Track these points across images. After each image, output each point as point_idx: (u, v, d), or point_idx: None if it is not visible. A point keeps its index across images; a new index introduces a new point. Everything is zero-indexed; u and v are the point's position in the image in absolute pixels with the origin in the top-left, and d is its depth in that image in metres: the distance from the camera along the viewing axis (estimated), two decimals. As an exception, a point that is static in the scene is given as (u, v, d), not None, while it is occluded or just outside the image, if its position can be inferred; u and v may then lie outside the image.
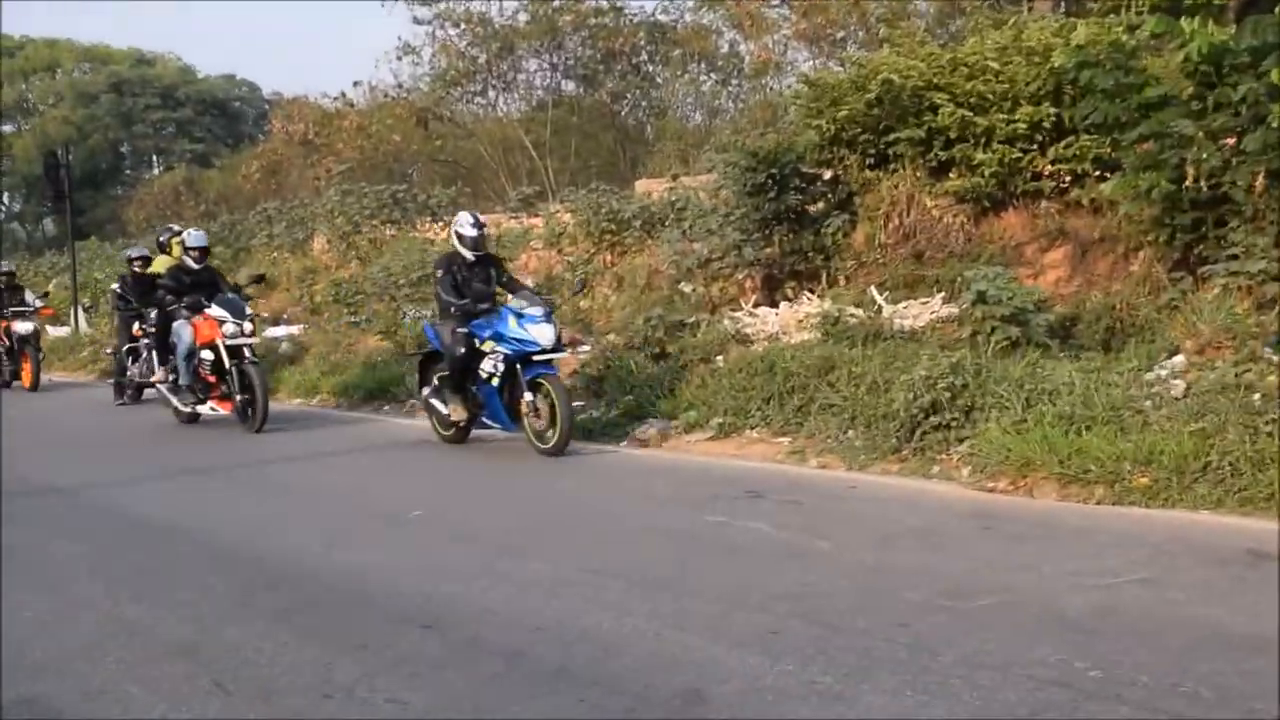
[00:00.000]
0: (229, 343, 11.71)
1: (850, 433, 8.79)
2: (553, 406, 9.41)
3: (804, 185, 12.39)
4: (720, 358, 10.97)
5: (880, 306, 10.89)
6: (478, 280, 10.05)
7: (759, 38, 26.23)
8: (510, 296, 10.05)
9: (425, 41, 28.84)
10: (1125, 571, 5.34)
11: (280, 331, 18.35)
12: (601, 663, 4.38)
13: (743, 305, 12.40)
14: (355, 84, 31.80)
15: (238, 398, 11.73)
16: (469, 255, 10.12)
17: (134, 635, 4.95)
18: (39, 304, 19.21)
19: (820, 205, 12.53)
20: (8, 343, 18.20)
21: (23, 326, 17.88)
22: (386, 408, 13.24)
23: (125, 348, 15.22)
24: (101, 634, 4.98)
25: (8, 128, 56.89)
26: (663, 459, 9.34)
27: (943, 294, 10.82)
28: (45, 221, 56.60)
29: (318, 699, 4.11)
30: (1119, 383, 7.89)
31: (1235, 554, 5.59)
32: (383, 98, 30.25)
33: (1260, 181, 8.79)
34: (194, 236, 12.73)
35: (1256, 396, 7.15)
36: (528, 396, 9.51)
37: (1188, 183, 9.12)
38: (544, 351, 9.59)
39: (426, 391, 10.51)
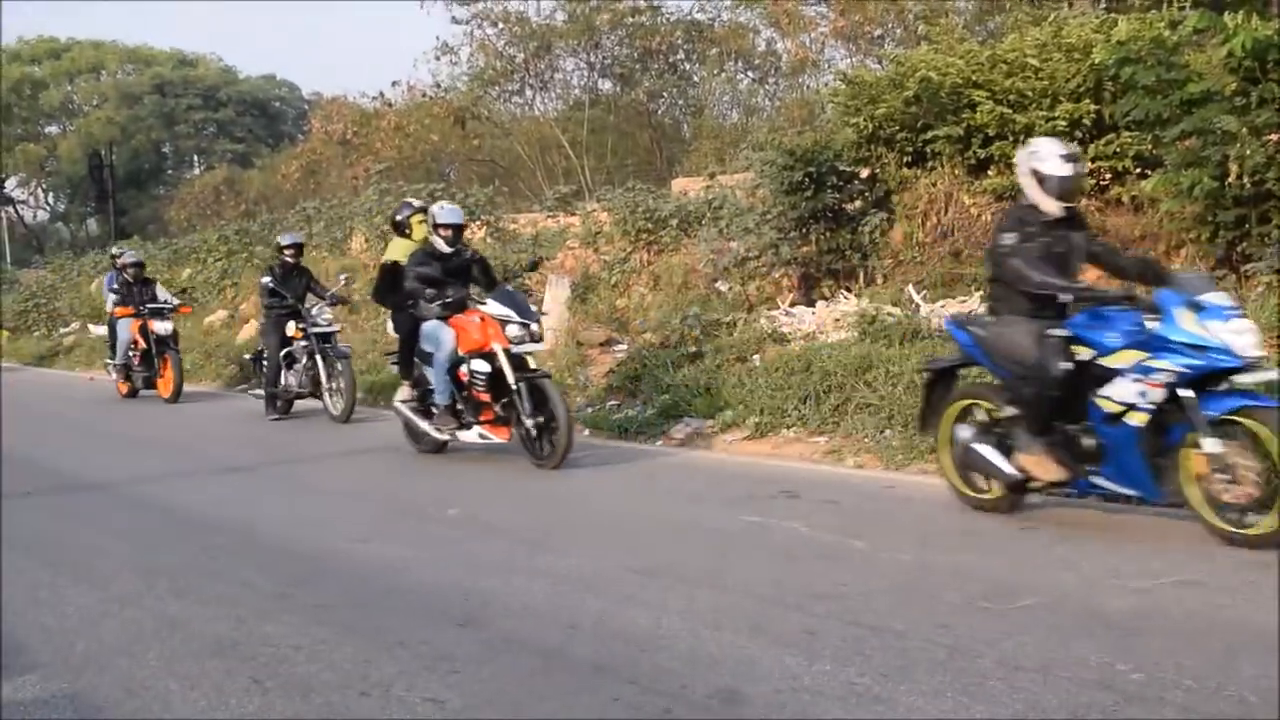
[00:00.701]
0: (515, 349, 8.97)
1: (887, 432, 8.75)
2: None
3: (841, 184, 12.35)
4: (757, 357, 10.96)
5: (918, 305, 10.83)
6: None
7: (796, 36, 26.13)
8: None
9: (463, 41, 28.97)
10: (1167, 573, 5.28)
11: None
12: (638, 661, 4.38)
13: (779, 304, 12.37)
14: (394, 84, 31.96)
15: (529, 423, 8.80)
16: None
17: (174, 630, 4.99)
18: (175, 301, 16.58)
19: (857, 204, 12.48)
20: (144, 344, 15.56)
21: (162, 326, 15.33)
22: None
23: (282, 352, 13.04)
24: (143, 630, 5.02)
25: (53, 129, 57.64)
26: (699, 458, 9.33)
27: (981, 292, 10.74)
28: (89, 221, 57.25)
29: (355, 696, 4.13)
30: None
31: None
32: (421, 97, 30.37)
33: (1305, 178, 8.69)
34: (446, 211, 9.85)
35: (1301, 396, 7.03)
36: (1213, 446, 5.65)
37: (1230, 180, 9.02)
38: (1234, 370, 5.71)
39: None
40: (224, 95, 56.44)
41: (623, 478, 8.62)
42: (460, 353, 9.13)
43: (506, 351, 8.88)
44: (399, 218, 11.35)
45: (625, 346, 12.78)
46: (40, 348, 26.01)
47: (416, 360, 9.70)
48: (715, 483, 8.16)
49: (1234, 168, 8.97)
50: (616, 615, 4.95)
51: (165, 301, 15.86)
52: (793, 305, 12.24)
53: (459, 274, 9.55)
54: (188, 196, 42.33)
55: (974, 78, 11.25)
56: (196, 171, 54.89)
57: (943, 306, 10.73)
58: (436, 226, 9.65)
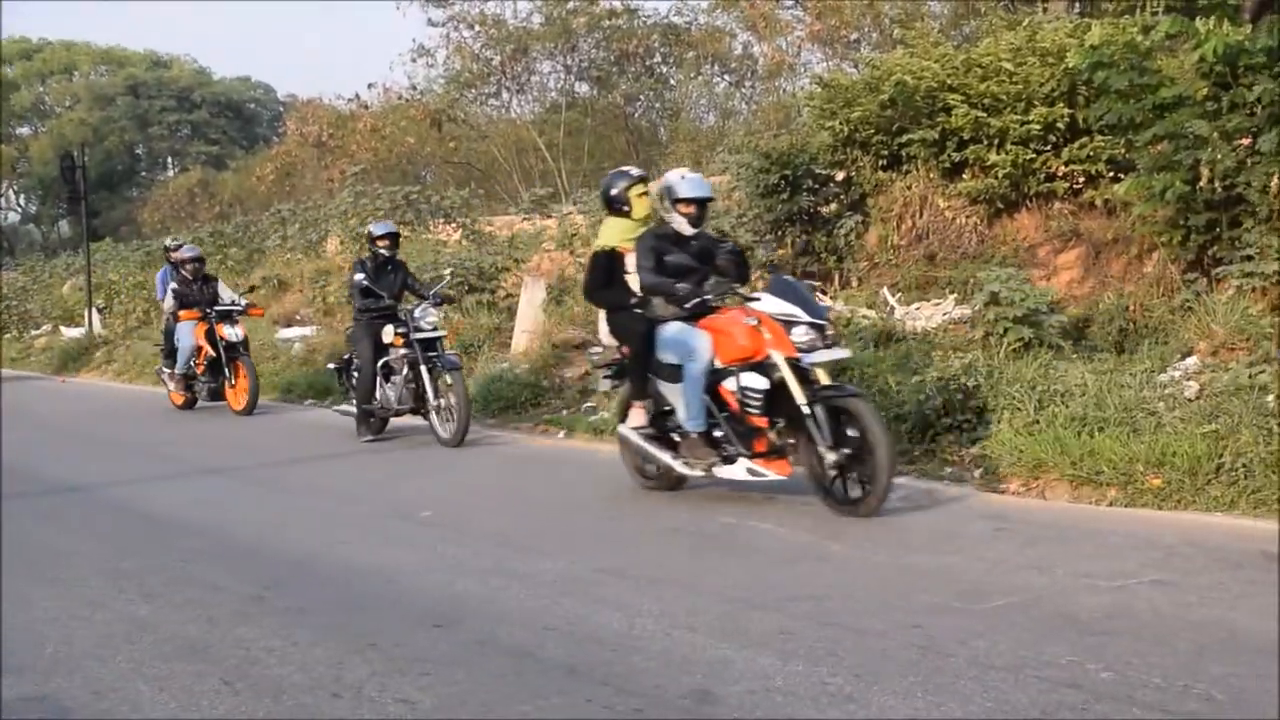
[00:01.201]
0: (807, 360, 6.90)
1: (862, 434, 8.75)
2: None
3: (817, 186, 12.38)
4: (732, 359, 10.94)
5: (893, 308, 10.87)
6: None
7: (772, 39, 26.25)
8: None
9: (439, 43, 29.02)
10: (1138, 573, 5.31)
11: (293, 333, 18.39)
12: (611, 662, 4.38)
13: (755, 306, 12.37)
14: (369, 86, 32.05)
15: (830, 457, 6.72)
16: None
17: (144, 633, 4.96)
18: (244, 301, 14.84)
19: (833, 206, 12.51)
20: (214, 352, 13.87)
21: (233, 332, 13.74)
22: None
23: (380, 363, 11.07)
24: (112, 632, 4.99)
25: (25, 130, 57.28)
26: (674, 460, 9.30)
27: (955, 295, 10.81)
28: (61, 223, 56.98)
29: (327, 698, 4.11)
30: (1132, 384, 7.86)
31: (1249, 556, 5.57)
32: (397, 100, 30.37)
33: (1275, 182, 8.75)
34: (689, 183, 7.63)
35: (1270, 398, 7.12)
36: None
37: (1202, 184, 9.08)
38: None
39: None
40: (198, 97, 56.26)
41: (598, 479, 8.61)
42: (720, 364, 7.21)
43: (793, 361, 6.90)
44: (614, 191, 8.60)
45: (600, 349, 12.76)
46: (11, 350, 25.82)
47: (651, 375, 7.69)
48: (693, 485, 8.15)
49: (1205, 172, 9.03)
50: (590, 617, 4.94)
51: (233, 302, 14.34)
52: (768, 308, 12.24)
53: (701, 263, 7.65)
54: (161, 198, 42.22)
55: (949, 81, 11.29)
56: (170, 173, 54.71)
57: (917, 309, 10.78)
58: (676, 202, 7.57)
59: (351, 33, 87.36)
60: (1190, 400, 7.51)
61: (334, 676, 4.30)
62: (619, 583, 5.50)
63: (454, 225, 20.47)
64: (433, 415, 10.71)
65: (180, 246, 15.29)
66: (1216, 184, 9.03)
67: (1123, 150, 10.34)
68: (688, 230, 7.58)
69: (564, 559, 6.05)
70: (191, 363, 14.11)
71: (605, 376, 8.48)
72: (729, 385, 7.17)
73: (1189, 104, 9.21)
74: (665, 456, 7.56)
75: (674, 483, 7.80)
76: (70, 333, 25.06)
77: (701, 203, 7.58)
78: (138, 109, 54.46)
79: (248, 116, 59.43)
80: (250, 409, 13.40)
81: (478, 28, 28.18)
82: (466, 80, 28.92)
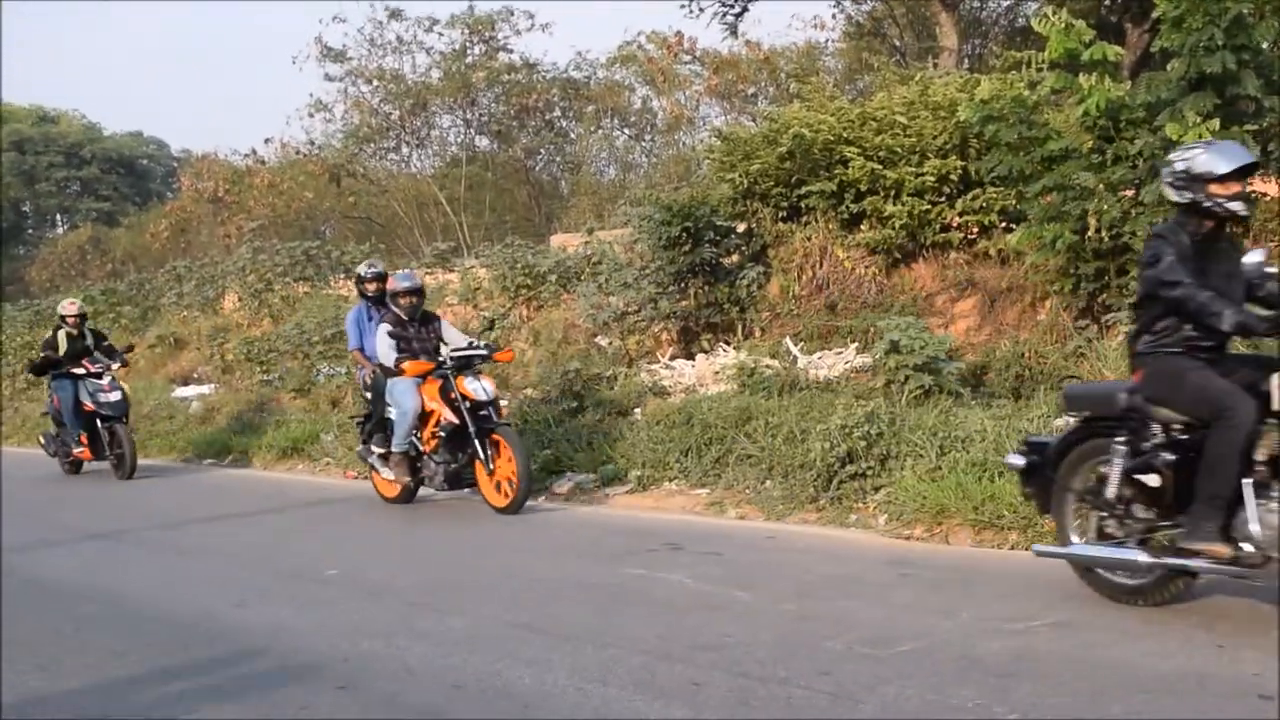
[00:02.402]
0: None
1: (768, 483, 8.83)
2: None
3: (718, 238, 12.50)
4: (638, 410, 10.99)
5: (795, 357, 10.99)
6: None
7: (671, 94, 26.61)
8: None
9: (337, 98, 28.82)
10: (1040, 615, 5.40)
11: (190, 391, 18.03)
12: (523, 718, 4.32)
13: (659, 358, 12.45)
14: (266, 141, 31.80)
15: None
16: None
17: (36, 706, 4.78)
18: (482, 344, 10.24)
19: (735, 258, 12.65)
20: (454, 418, 9.43)
21: (480, 388, 9.42)
22: (300, 466, 13.05)
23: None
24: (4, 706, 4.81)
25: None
26: (582, 513, 9.29)
27: (856, 344, 10.97)
28: (-56, 282, 55.17)
29: (231, 765, 4.01)
30: (1029, 429, 8.02)
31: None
32: (295, 154, 30.09)
33: (1158, 231, 9.04)
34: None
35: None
36: None
37: (1090, 233, 9.37)
38: None
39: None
40: (88, 152, 55.06)
41: (505, 534, 8.54)
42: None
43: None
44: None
45: (505, 402, 12.71)
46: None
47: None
48: (598, 537, 8.14)
49: (1093, 222, 9.31)
50: (500, 673, 4.89)
51: (471, 345, 9.99)
52: (672, 359, 12.33)
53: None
54: (50, 256, 41.21)
55: (845, 134, 11.52)
56: (60, 230, 53.43)
57: (820, 357, 10.92)
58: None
59: (247, 88, 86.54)
60: (1085, 444, 7.67)
61: (238, 743, 4.20)
62: (530, 638, 5.45)
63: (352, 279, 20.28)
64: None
65: (381, 275, 10.91)
66: (1104, 234, 9.32)
67: (1014, 201, 10.62)
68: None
69: (472, 616, 5.98)
70: (414, 435, 9.80)
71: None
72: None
73: (1075, 156, 9.51)
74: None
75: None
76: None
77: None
78: (24, 165, 53.14)
79: (140, 172, 58.31)
80: (516, 506, 9.05)
81: (376, 82, 28.09)
82: (365, 135, 28.77)
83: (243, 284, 21.03)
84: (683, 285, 12.63)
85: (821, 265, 11.96)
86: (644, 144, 29.38)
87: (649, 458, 9.85)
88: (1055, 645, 4.95)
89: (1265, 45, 9.07)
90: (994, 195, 11.00)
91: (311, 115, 29.27)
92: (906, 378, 9.29)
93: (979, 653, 4.87)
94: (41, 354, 13.80)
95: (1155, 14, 9.42)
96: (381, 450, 10.07)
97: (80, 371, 13.18)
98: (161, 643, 5.71)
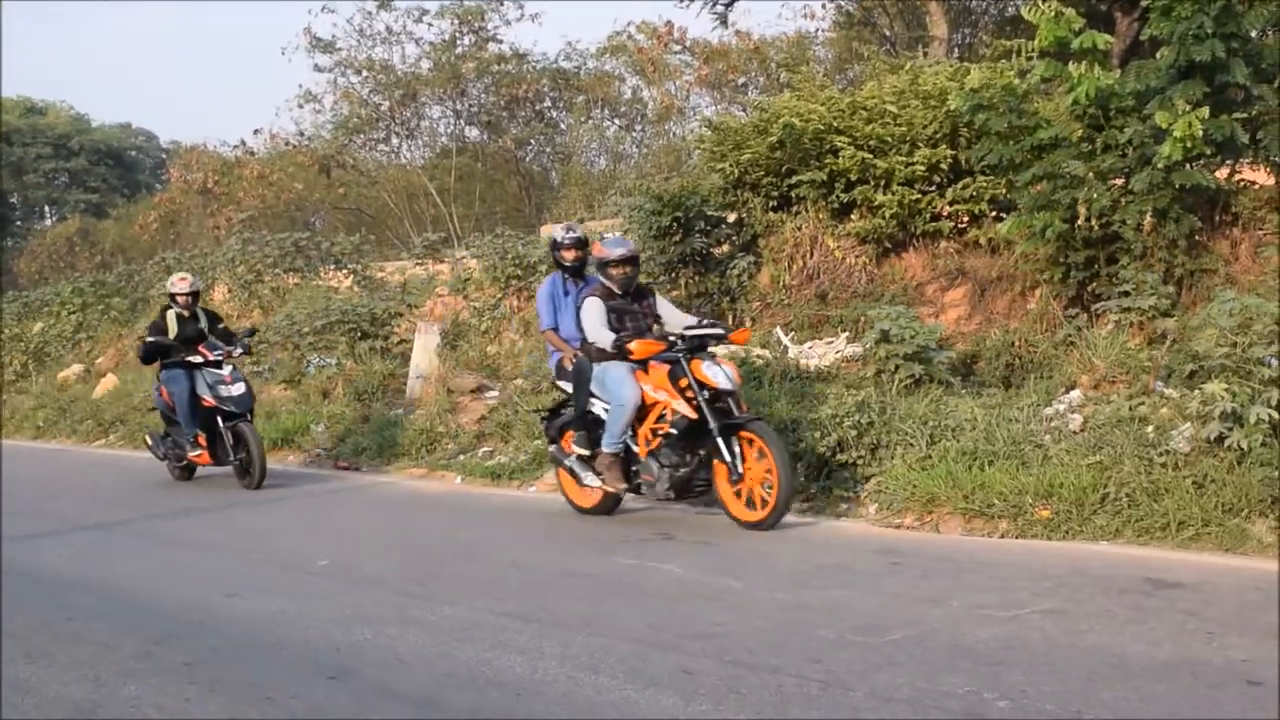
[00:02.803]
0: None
1: (758, 472, 8.82)
2: None
3: (709, 228, 12.49)
4: (629, 400, 10.97)
5: (786, 347, 10.99)
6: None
7: (662, 84, 26.57)
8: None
9: (327, 89, 28.75)
10: (1030, 603, 5.42)
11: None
12: (514, 708, 4.33)
13: (650, 348, 12.42)
14: (255, 132, 31.59)
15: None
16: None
17: (26, 696, 4.77)
18: (718, 324, 8.52)
19: (725, 248, 12.64)
20: (692, 412, 7.75)
21: (720, 374, 7.74)
22: (290, 457, 13.03)
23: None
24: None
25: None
26: (573, 503, 9.28)
27: (847, 334, 10.97)
28: (-69, 275, 54.95)
29: (222, 755, 4.00)
30: (1019, 418, 8.05)
31: (1134, 583, 5.72)
32: (284, 146, 30.01)
33: (1148, 220, 9.07)
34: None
35: (1150, 429, 7.35)
36: None
37: (1080, 222, 9.36)
38: None
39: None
40: (76, 144, 54.85)
41: (497, 524, 8.54)
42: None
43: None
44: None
45: (496, 393, 12.72)
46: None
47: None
48: (590, 527, 8.14)
49: (1082, 210, 9.31)
50: (492, 662, 4.89)
51: (704, 322, 8.31)
52: (663, 349, 12.30)
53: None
54: (39, 248, 41.04)
55: (835, 124, 11.50)
56: (48, 222, 53.25)
57: (810, 347, 10.91)
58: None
59: (236, 79, 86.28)
60: (1075, 433, 7.71)
61: (229, 733, 4.19)
62: (521, 627, 5.45)
63: (345, 272, 20.26)
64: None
65: (583, 240, 9.15)
66: (1093, 222, 9.32)
67: (1004, 190, 10.62)
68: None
69: (464, 605, 5.98)
70: (627, 434, 8.16)
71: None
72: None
73: (1065, 145, 9.52)
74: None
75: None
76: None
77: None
78: (11, 157, 52.91)
79: (129, 164, 58.09)
80: (774, 521, 7.47)
81: (365, 73, 28.03)
82: (355, 126, 28.72)
83: (232, 275, 20.97)
84: (673, 275, 12.61)
85: (812, 255, 11.96)
86: (634, 134, 29.37)
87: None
88: (1045, 632, 4.97)
89: (1254, 33, 9.09)
90: (984, 184, 11.00)
91: (301, 106, 29.25)
92: (897, 367, 9.30)
93: (969, 641, 4.89)
94: (149, 338, 11.56)
95: (1144, 2, 9.41)
96: (584, 451, 8.36)
97: (197, 360, 11.16)
98: (152, 634, 5.69)
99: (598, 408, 8.27)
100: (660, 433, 7.93)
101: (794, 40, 26.03)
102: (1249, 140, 8.93)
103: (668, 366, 7.90)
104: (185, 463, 11.61)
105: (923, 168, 11.21)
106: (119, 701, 4.62)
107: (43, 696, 4.74)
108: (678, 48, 26.58)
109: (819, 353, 10.74)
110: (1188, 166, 8.84)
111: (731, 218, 12.69)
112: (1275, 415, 6.72)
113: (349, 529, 8.87)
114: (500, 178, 30.14)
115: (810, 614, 5.45)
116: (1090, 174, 9.31)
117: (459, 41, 28.01)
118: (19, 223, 56.36)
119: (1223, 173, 9.36)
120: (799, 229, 12.00)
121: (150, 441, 12.08)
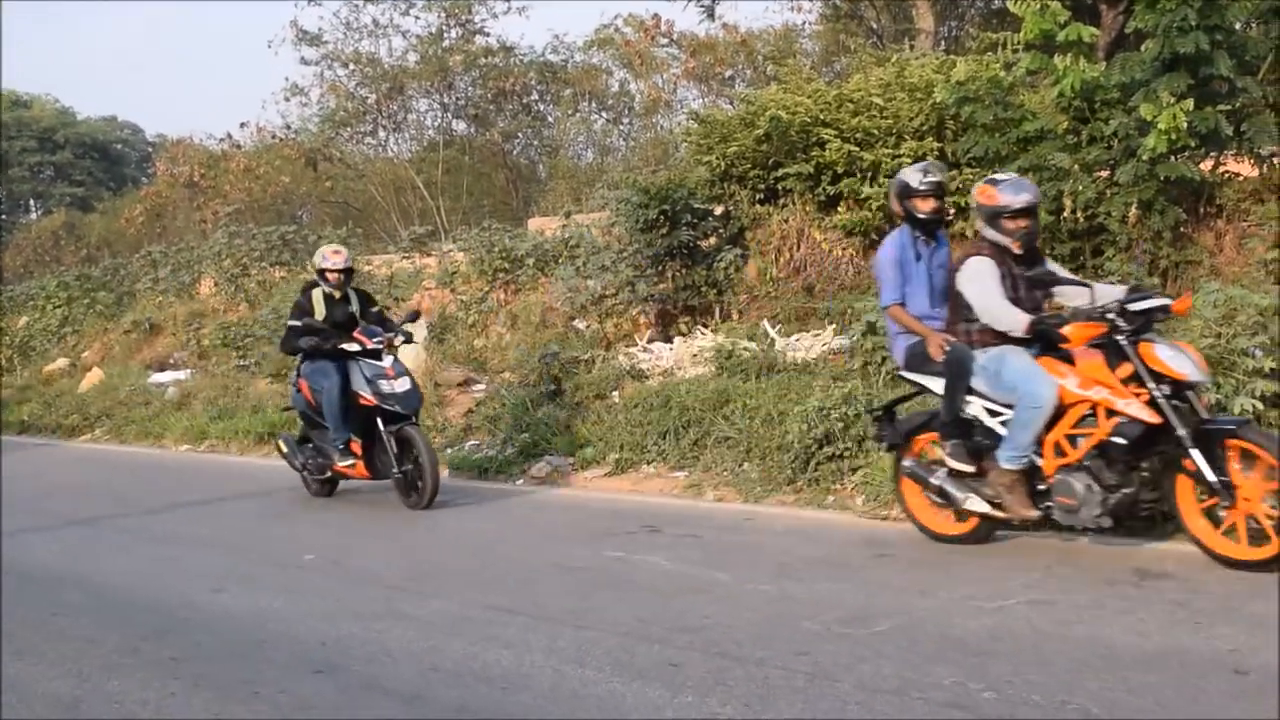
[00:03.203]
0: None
1: (746, 465, 8.85)
2: None
3: (696, 221, 12.49)
4: (616, 394, 11.00)
5: (773, 339, 11.00)
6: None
7: (649, 77, 26.53)
8: None
9: (313, 82, 28.61)
10: (1017, 594, 5.43)
11: (166, 377, 17.93)
12: (501, 702, 4.33)
13: (637, 341, 12.44)
14: (242, 125, 31.48)
15: None
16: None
17: (10, 692, 4.76)
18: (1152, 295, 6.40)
19: (712, 240, 12.64)
20: (1153, 418, 5.88)
21: (1183, 361, 5.88)
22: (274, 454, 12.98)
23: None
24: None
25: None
26: (560, 496, 9.30)
27: (834, 326, 10.97)
28: (-84, 269, 54.64)
29: (208, 750, 3.99)
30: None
31: (1121, 574, 5.73)
32: (270, 139, 29.88)
33: (1133, 212, 9.10)
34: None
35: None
36: None
37: (1065, 214, 9.39)
38: None
39: None
40: (61, 137, 54.62)
41: (484, 517, 8.54)
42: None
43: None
44: None
45: (484, 386, 12.70)
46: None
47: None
48: (577, 520, 8.14)
49: (1068, 202, 9.34)
50: (479, 656, 4.89)
51: (1140, 293, 6.23)
52: (650, 342, 12.32)
53: None
54: (24, 242, 40.84)
55: (822, 116, 11.50)
56: (33, 216, 52.99)
57: (797, 340, 10.92)
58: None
59: (222, 72, 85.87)
60: (1061, 423, 7.70)
61: (215, 727, 4.19)
62: (507, 620, 5.45)
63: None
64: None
65: (941, 186, 7.14)
66: (1079, 214, 9.34)
67: (990, 182, 10.62)
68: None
69: (451, 599, 5.97)
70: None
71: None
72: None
73: (1051, 137, 9.53)
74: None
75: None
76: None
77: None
78: (-2, 151, 52.71)
79: (114, 157, 57.84)
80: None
81: (352, 66, 27.89)
82: (342, 119, 28.58)
83: (219, 269, 20.91)
84: (660, 268, 12.61)
85: (799, 247, 11.96)
86: (621, 127, 29.29)
87: (627, 440, 9.85)
88: (1032, 623, 4.98)
89: (1238, 26, 9.11)
90: (970, 176, 10.99)
91: (287, 99, 29.12)
92: (884, 359, 9.30)
93: (956, 631, 4.90)
94: (298, 322, 9.38)
95: (1130, -5, 9.44)
96: (964, 466, 6.45)
97: (353, 348, 9.13)
98: (137, 630, 5.68)
99: (974, 408, 6.40)
100: (1079, 438, 6.04)
101: (781, 33, 25.98)
102: (1233, 132, 8.95)
103: (1099, 353, 6.00)
104: (329, 474, 9.61)
105: (909, 160, 11.18)
106: (101, 697, 4.61)
107: (26, 693, 4.73)
108: (665, 41, 26.52)
109: (806, 345, 10.75)
110: (1172, 159, 8.87)
111: (718, 210, 12.68)
112: (1260, 406, 6.73)
113: (333, 525, 8.84)
114: (487, 171, 30.04)
115: (797, 606, 5.46)
116: (1075, 166, 9.34)
117: (446, 34, 27.90)
118: (4, 216, 56.11)
119: (1207, 165, 9.39)
120: (786, 221, 12.00)
121: (285, 448, 10.06)
